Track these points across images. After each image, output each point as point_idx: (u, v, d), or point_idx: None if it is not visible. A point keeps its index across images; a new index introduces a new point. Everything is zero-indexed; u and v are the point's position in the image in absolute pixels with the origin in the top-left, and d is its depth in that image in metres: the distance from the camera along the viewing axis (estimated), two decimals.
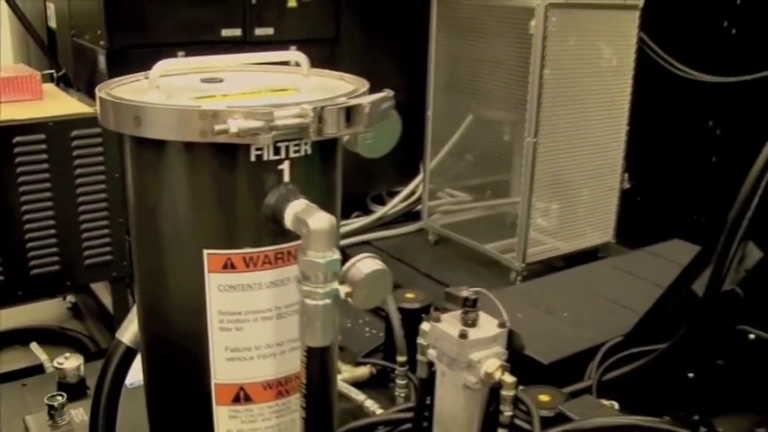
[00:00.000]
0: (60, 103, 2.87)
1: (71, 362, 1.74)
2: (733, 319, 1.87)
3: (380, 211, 3.73)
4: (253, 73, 0.98)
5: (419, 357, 1.69)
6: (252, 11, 3.12)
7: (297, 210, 0.76)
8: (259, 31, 3.14)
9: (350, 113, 0.80)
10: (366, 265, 0.83)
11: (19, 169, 2.57)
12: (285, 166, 0.79)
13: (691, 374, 1.96)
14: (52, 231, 2.68)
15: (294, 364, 0.86)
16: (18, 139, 2.55)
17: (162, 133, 0.76)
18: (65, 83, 3.27)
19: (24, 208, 2.61)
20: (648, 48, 3.62)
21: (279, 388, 0.87)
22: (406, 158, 3.80)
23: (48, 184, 2.63)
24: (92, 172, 2.70)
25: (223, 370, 0.85)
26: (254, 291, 0.82)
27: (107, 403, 1.05)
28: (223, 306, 0.82)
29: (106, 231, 2.77)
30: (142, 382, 0.98)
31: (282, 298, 0.83)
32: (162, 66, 0.85)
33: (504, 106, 3.22)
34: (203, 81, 0.91)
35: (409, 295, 2.38)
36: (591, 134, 3.23)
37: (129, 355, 1.06)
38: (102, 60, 2.96)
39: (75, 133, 2.64)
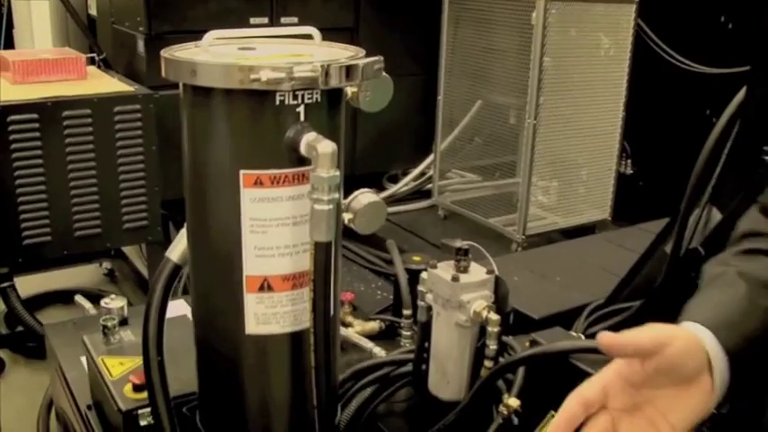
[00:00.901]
0: (103, 83, 3.16)
1: (116, 302, 1.92)
2: (697, 275, 2.12)
3: (392, 189, 3.99)
4: (279, 44, 1.26)
5: (419, 303, 1.93)
6: (278, 1, 3.38)
7: (309, 139, 1.04)
8: (284, 20, 3.39)
9: (348, 70, 1.08)
10: (365, 197, 1.10)
11: (67, 140, 2.85)
12: (301, 109, 1.07)
13: None
14: (95, 197, 2.95)
15: (306, 262, 1.13)
16: (66, 113, 2.83)
17: (211, 82, 1.04)
18: (105, 65, 3.55)
19: (71, 176, 2.88)
20: (648, 39, 3.85)
21: (294, 281, 1.14)
22: (420, 141, 4.06)
23: (92, 155, 2.90)
24: (131, 144, 2.97)
25: (252, 265, 1.12)
26: (276, 202, 1.09)
27: (158, 311, 1.29)
28: (253, 214, 1.09)
29: (143, 199, 3.04)
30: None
31: (298, 209, 1.10)
32: (211, 35, 1.13)
33: (509, 92, 3.47)
34: (240, 49, 1.19)
35: (416, 258, 2.63)
36: (589, 119, 3.47)
37: (176, 270, 1.33)
38: (140, 45, 3.24)
39: (117, 109, 2.92)
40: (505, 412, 1.69)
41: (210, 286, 1.18)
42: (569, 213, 3.56)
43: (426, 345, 1.93)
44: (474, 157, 3.87)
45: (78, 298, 2.82)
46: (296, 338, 1.18)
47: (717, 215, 2.13)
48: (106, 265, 3.88)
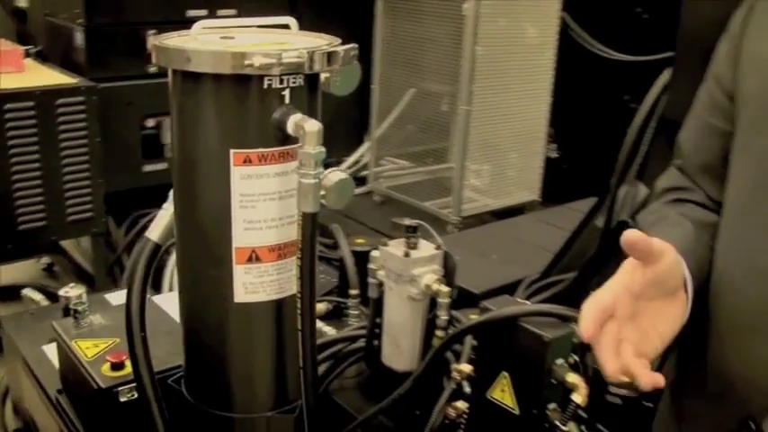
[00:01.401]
0: (44, 75, 3.16)
1: (75, 290, 1.93)
2: None
3: None
4: (257, 34, 1.35)
5: (370, 280, 2.04)
6: None
7: (296, 119, 1.14)
8: (222, 12, 3.45)
9: (330, 56, 1.18)
10: (335, 175, 1.20)
11: (9, 134, 2.86)
12: (286, 92, 1.16)
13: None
14: (39, 191, 2.97)
15: (290, 234, 1.23)
16: (8, 106, 2.84)
17: (205, 68, 1.13)
18: (40, 58, 3.55)
19: (14, 169, 2.89)
20: (571, 29, 4.04)
21: (279, 251, 1.24)
22: (354, 129, 4.16)
23: (35, 147, 2.92)
24: (75, 137, 2.99)
25: (240, 237, 1.22)
26: (264, 179, 1.19)
27: (140, 288, 1.36)
28: (242, 190, 1.19)
29: (88, 191, 3.07)
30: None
31: (284, 185, 1.20)
32: (199, 24, 1.22)
33: (442, 79, 3.61)
34: (222, 38, 1.28)
35: (360, 240, 2.74)
36: (517, 104, 3.65)
37: (156, 249, 1.41)
38: (79, 37, 3.25)
39: (60, 101, 2.93)
40: (458, 377, 1.81)
41: (200, 259, 1.27)
42: (501, 195, 3.73)
43: (378, 320, 2.03)
44: (408, 143, 4.01)
45: (27, 291, 2.83)
46: (280, 305, 1.28)
47: (643, 189, 2.31)
48: (45, 259, 3.87)
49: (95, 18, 3.20)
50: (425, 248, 1.98)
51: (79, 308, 1.80)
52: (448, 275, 1.99)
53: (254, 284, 1.24)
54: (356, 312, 2.52)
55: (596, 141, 4.23)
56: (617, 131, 4.02)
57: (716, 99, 1.11)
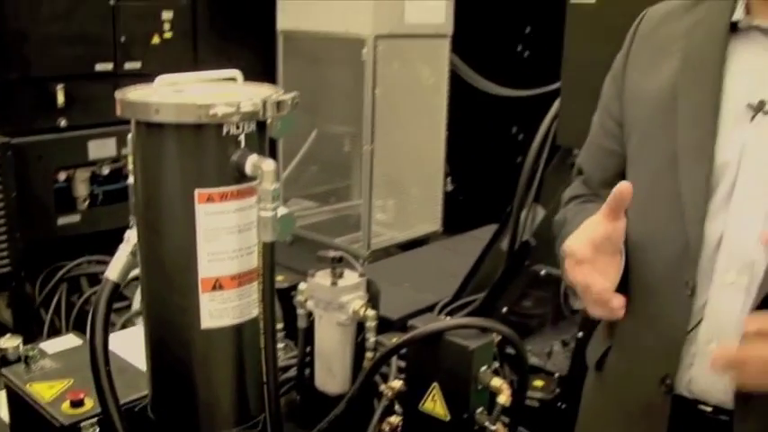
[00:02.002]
0: None
1: (12, 341, 1.95)
2: (530, 262, 2.54)
3: None
4: (205, 85, 1.50)
5: (299, 312, 2.18)
6: (121, 47, 3.53)
7: (254, 161, 1.29)
8: (128, 65, 3.56)
9: (279, 104, 1.35)
10: (281, 210, 1.36)
11: None
12: (242, 137, 1.32)
13: (504, 309, 2.60)
14: None
15: (250, 263, 1.38)
16: None
17: (171, 118, 1.28)
18: None
19: None
20: (460, 69, 4.32)
21: (240, 279, 1.38)
22: None
23: None
24: None
25: (205, 268, 1.35)
26: (225, 215, 1.33)
27: (103, 324, 1.47)
28: (206, 225, 1.33)
29: (5, 246, 3.10)
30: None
31: (243, 219, 1.35)
32: (160, 79, 1.37)
33: (343, 121, 3.82)
34: (174, 92, 1.42)
35: (279, 278, 2.88)
36: (416, 142, 3.88)
37: (116, 288, 1.52)
38: None
39: None
40: (390, 394, 1.96)
41: (166, 290, 1.40)
42: (405, 228, 3.94)
43: (308, 349, 2.17)
44: (313, 183, 4.18)
45: None
46: (240, 329, 1.42)
47: (541, 211, 2.56)
48: None
49: (4, 74, 3.24)
50: (350, 277, 2.15)
51: (30, 353, 1.88)
52: (372, 300, 2.16)
53: (219, 310, 1.38)
54: (282, 345, 2.64)
55: (489, 173, 4.52)
56: (507, 162, 4.33)
57: (608, 127, 1.34)
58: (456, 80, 4.12)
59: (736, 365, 1.01)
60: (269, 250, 1.32)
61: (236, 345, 1.43)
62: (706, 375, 1.15)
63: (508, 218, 2.61)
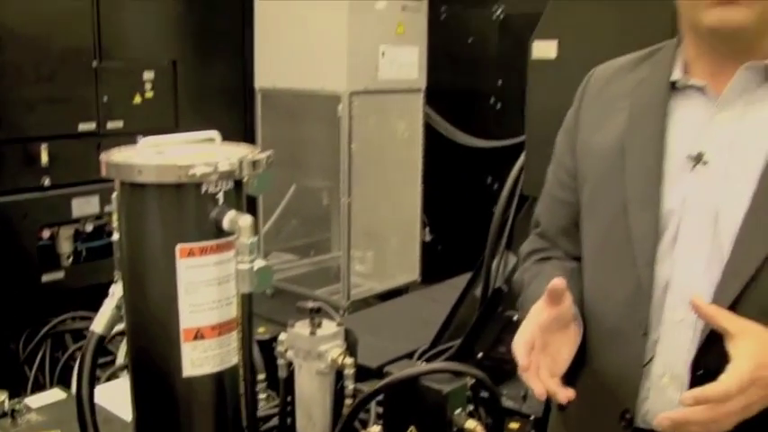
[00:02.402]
0: None
1: None
2: (503, 308, 2.62)
3: None
4: (185, 146, 1.59)
5: (279, 362, 2.25)
6: (103, 108, 3.64)
7: (231, 216, 1.38)
8: (111, 125, 3.66)
9: (254, 163, 1.44)
10: (258, 263, 1.44)
11: None
12: (220, 195, 1.41)
13: (480, 355, 2.68)
14: None
15: (229, 314, 1.45)
16: None
17: (153, 179, 1.37)
18: None
19: None
20: (434, 121, 4.46)
21: (220, 329, 1.45)
22: None
23: None
24: None
25: (187, 319, 1.43)
26: (205, 268, 1.41)
27: (89, 380, 1.55)
28: (187, 278, 1.41)
29: None
30: None
31: (222, 271, 1.43)
32: (143, 141, 1.46)
33: (321, 175, 3.92)
34: (156, 153, 1.51)
35: (261, 329, 2.94)
36: (394, 193, 3.99)
37: (101, 340, 1.60)
38: None
39: None
40: None
41: (150, 340, 1.47)
42: (384, 278, 4.03)
43: (289, 398, 2.23)
44: (293, 237, 4.26)
45: None
46: (221, 376, 1.49)
47: (512, 259, 2.65)
48: None
49: None
50: (328, 327, 2.22)
51: (16, 407, 1.95)
52: (350, 349, 2.23)
53: (200, 359, 1.45)
54: (264, 395, 2.69)
55: (465, 222, 4.62)
56: (483, 211, 4.43)
57: (561, 179, 1.43)
58: (431, 132, 4.25)
59: (678, 427, 1.10)
60: (247, 301, 1.40)
61: (218, 392, 1.50)
62: (660, 407, 1.23)
63: (481, 266, 2.70)
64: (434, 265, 4.33)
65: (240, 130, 4.15)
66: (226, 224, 1.39)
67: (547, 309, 1.20)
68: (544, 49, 2.26)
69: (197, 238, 1.40)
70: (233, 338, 1.47)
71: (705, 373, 1.14)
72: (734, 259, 1.14)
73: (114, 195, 1.48)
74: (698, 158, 1.20)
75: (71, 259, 3.57)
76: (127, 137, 3.74)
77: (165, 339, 1.44)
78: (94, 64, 3.62)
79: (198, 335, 1.44)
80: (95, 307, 1.60)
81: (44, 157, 3.44)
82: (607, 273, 1.29)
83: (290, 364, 2.21)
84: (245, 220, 1.37)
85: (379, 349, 3.05)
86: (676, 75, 1.27)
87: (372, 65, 3.73)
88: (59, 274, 3.54)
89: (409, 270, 4.16)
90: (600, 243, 1.32)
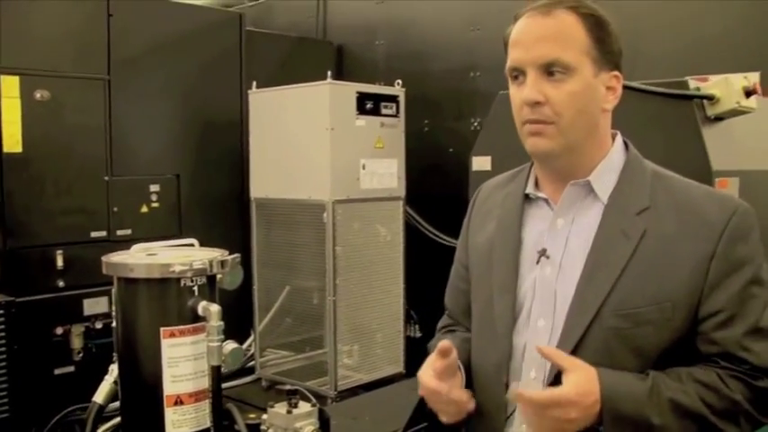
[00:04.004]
0: None
1: None
2: None
3: None
4: (172, 250, 1.98)
5: None
6: (114, 217, 4.05)
7: (204, 305, 1.75)
8: (120, 232, 4.06)
9: (223, 263, 1.83)
10: (230, 344, 1.81)
11: None
12: (195, 288, 1.79)
13: None
14: None
15: (203, 384, 1.81)
16: None
17: (142, 274, 1.75)
18: None
19: None
20: (422, 225, 4.84)
21: (196, 396, 1.80)
22: (240, 323, 4.72)
23: None
24: None
25: (168, 387, 1.78)
26: (183, 346, 1.78)
27: None
28: (169, 354, 1.77)
29: (4, 393, 3.47)
30: None
31: (196, 350, 1.79)
32: (135, 248, 1.85)
33: (311, 276, 4.28)
34: (147, 255, 1.90)
35: (252, 415, 3.26)
36: (377, 292, 4.34)
37: (101, 409, 1.96)
38: None
39: None
40: None
41: (139, 404, 1.83)
42: (370, 370, 4.34)
43: None
44: (287, 334, 4.60)
45: None
46: None
47: None
48: None
49: (11, 242, 3.73)
50: (304, 406, 2.55)
51: None
52: (323, 426, 2.56)
53: (179, 421, 1.81)
54: None
55: None
56: None
57: (459, 272, 1.80)
58: (417, 234, 4.64)
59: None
60: (216, 372, 1.76)
61: None
62: None
63: None
64: (423, 359, 4.62)
65: (238, 236, 4.53)
66: (200, 311, 1.77)
67: (438, 360, 1.54)
68: (481, 163, 2.65)
69: (177, 322, 1.77)
70: (206, 405, 1.83)
71: None
72: (566, 329, 1.49)
73: (113, 290, 1.87)
74: (543, 253, 1.56)
75: (81, 354, 3.90)
76: (134, 243, 4.16)
77: (151, 404, 1.79)
78: (106, 178, 4.04)
79: (178, 401, 1.80)
80: None
81: (59, 262, 3.83)
82: (483, 341, 1.64)
83: None
84: (215, 307, 1.75)
85: (360, 429, 3.36)
86: (530, 188, 1.64)
87: (354, 176, 4.12)
88: (70, 368, 3.88)
89: (394, 362, 4.46)
90: (478, 319, 1.68)
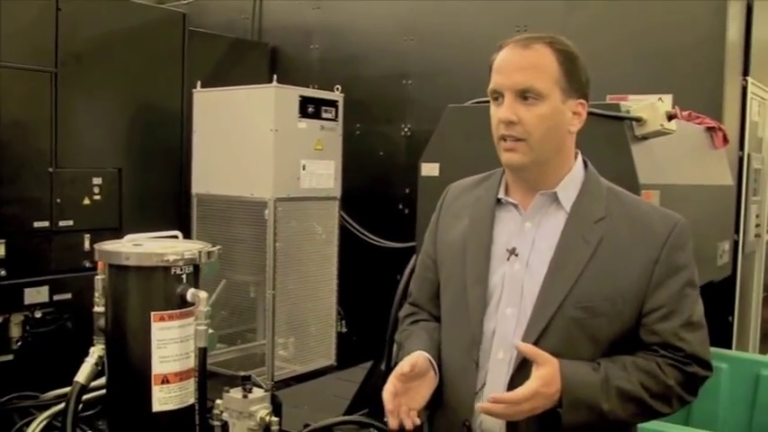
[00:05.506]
0: None
1: None
2: None
3: None
4: (156, 242, 2.13)
5: (214, 423, 2.73)
6: (56, 208, 4.10)
7: (193, 292, 1.92)
8: (62, 223, 4.11)
9: (209, 254, 2.00)
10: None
11: None
12: (184, 276, 1.95)
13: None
14: None
15: (189, 364, 1.97)
16: None
17: (135, 262, 1.90)
18: None
19: None
20: (349, 224, 5.02)
21: (180, 376, 1.96)
22: None
23: None
24: None
25: (156, 367, 1.94)
26: (171, 329, 1.94)
27: (72, 420, 2.04)
28: (159, 337, 1.93)
29: None
30: None
31: (183, 333, 1.95)
32: (128, 237, 2.00)
33: (249, 271, 4.43)
34: (134, 245, 2.05)
35: None
36: (312, 288, 4.53)
37: (83, 389, 2.09)
38: None
39: None
40: None
41: (127, 383, 1.98)
42: (304, 362, 4.52)
43: None
44: (222, 326, 4.73)
45: None
46: (181, 412, 2.00)
47: None
48: None
49: None
50: (257, 392, 2.73)
51: None
52: (276, 410, 2.74)
53: (165, 398, 1.96)
54: None
55: (377, 315, 5.09)
56: (390, 306, 4.94)
57: (426, 263, 2.00)
58: (347, 234, 4.83)
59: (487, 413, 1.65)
60: (203, 353, 1.92)
61: (178, 424, 2.00)
62: (489, 419, 1.76)
63: (383, 349, 3.25)
64: (349, 354, 4.81)
65: (177, 230, 4.63)
66: (189, 297, 1.93)
67: (407, 366, 1.71)
68: (430, 169, 2.86)
69: (166, 307, 1.93)
70: (191, 383, 1.99)
71: None
72: (533, 319, 1.72)
73: (100, 277, 2.01)
74: (512, 251, 1.78)
75: (20, 343, 3.95)
76: (76, 234, 4.22)
77: (139, 382, 1.94)
78: (50, 169, 4.09)
79: (164, 379, 1.96)
80: (41, 387, 2.06)
81: (1, 251, 3.86)
82: (454, 328, 1.85)
83: (224, 424, 2.70)
84: (203, 294, 1.92)
85: (300, 418, 3.54)
86: (501, 194, 1.86)
87: (295, 176, 4.31)
88: (8, 357, 3.91)
89: (326, 355, 4.66)
90: (449, 308, 1.89)
